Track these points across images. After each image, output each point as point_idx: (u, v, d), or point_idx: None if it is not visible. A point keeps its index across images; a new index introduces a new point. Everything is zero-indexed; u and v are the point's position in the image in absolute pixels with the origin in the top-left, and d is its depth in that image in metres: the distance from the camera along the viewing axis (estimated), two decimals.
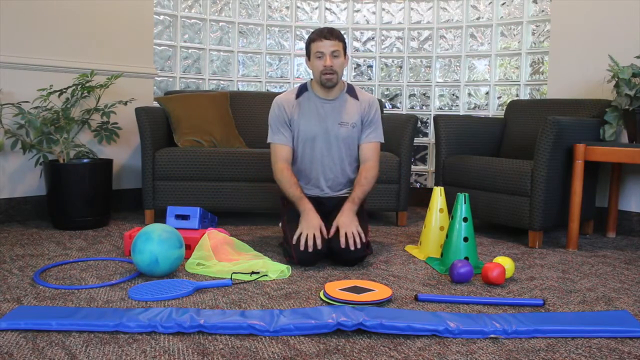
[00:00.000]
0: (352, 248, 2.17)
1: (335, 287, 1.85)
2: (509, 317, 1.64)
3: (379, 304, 1.77)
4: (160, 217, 2.97)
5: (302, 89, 2.44)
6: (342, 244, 2.17)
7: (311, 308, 1.67)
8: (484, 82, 3.83)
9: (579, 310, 1.79)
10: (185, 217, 2.45)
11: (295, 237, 2.21)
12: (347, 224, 2.22)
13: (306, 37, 3.94)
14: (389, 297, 1.79)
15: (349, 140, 2.42)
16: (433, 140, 3.87)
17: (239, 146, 3.32)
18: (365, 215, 2.45)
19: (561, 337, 1.55)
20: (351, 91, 2.45)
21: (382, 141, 2.48)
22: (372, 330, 1.53)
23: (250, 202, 3.02)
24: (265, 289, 1.94)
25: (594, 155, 2.62)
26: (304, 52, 2.52)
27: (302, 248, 2.16)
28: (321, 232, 2.23)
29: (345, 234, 2.19)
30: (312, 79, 2.43)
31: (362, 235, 2.22)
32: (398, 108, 4.09)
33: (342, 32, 2.43)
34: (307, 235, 2.19)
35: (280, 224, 2.59)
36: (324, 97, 2.39)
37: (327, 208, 2.41)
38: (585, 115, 2.98)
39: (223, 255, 2.24)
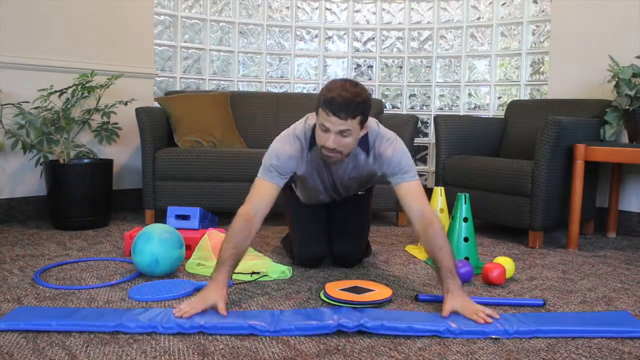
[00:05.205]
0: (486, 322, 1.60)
1: (336, 287, 1.85)
2: (509, 317, 1.64)
3: (379, 304, 1.77)
4: (161, 218, 2.97)
5: (313, 143, 1.90)
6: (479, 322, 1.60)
7: (312, 309, 1.67)
8: (484, 82, 3.83)
9: (580, 310, 1.79)
10: (185, 217, 2.45)
11: (176, 312, 1.59)
12: (467, 307, 1.65)
13: (306, 37, 3.95)
14: (389, 297, 1.79)
15: (360, 181, 2.08)
16: (433, 141, 3.86)
17: (239, 146, 3.32)
18: (370, 213, 2.38)
19: (562, 337, 1.55)
20: (363, 142, 1.89)
21: (417, 178, 1.88)
22: (373, 332, 1.53)
23: None
24: (266, 289, 1.94)
25: (594, 156, 2.62)
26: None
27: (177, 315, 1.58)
28: (321, 234, 2.21)
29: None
30: None
31: (487, 312, 1.64)
32: (398, 108, 4.09)
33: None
34: (184, 310, 1.58)
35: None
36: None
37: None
38: (585, 115, 2.98)
39: None
